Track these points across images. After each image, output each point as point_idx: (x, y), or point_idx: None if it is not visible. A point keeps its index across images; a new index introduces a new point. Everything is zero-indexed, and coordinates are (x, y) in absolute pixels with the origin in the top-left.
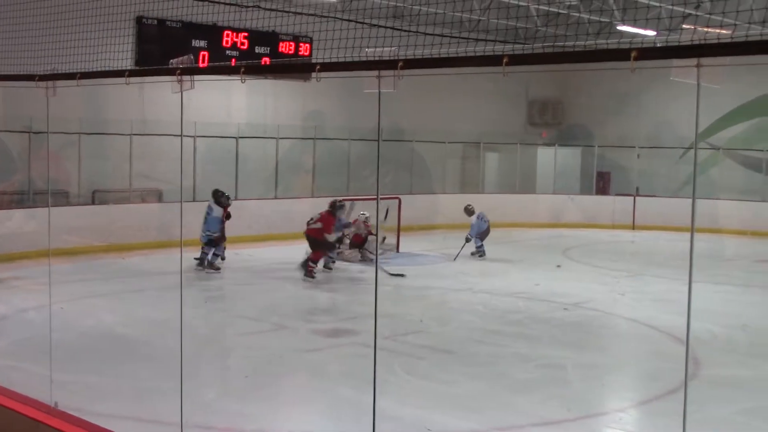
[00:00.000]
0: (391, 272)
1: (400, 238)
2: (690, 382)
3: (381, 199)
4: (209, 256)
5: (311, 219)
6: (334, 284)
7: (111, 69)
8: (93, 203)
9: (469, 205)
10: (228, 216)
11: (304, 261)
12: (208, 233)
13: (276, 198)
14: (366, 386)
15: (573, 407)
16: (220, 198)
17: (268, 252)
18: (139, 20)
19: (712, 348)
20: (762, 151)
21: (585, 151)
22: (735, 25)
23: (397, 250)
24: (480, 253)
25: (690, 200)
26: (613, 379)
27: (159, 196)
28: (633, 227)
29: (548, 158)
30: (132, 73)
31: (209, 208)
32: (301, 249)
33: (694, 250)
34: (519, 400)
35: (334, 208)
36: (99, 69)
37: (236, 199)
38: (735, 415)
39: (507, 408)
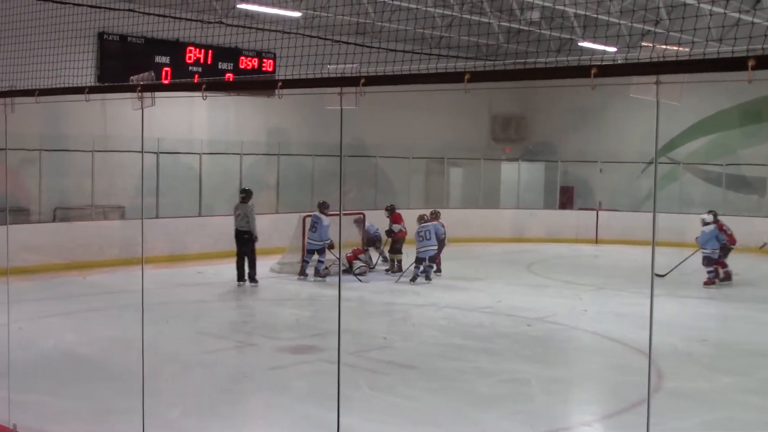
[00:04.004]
0: (360, 278)
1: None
2: (653, 395)
3: (345, 215)
4: (318, 265)
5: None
6: (299, 301)
7: (71, 86)
8: (54, 221)
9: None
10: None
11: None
12: (318, 242)
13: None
14: (330, 403)
15: (537, 422)
16: (325, 209)
17: (232, 269)
18: (101, 36)
19: (674, 361)
20: (721, 165)
21: (548, 166)
22: (693, 42)
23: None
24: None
25: (651, 214)
26: (576, 394)
27: (121, 213)
28: (596, 241)
29: (512, 173)
30: (92, 90)
31: (316, 218)
32: (265, 265)
33: (657, 264)
34: (483, 415)
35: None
36: (59, 86)
37: (200, 215)
38: (696, 427)
39: (470, 423)
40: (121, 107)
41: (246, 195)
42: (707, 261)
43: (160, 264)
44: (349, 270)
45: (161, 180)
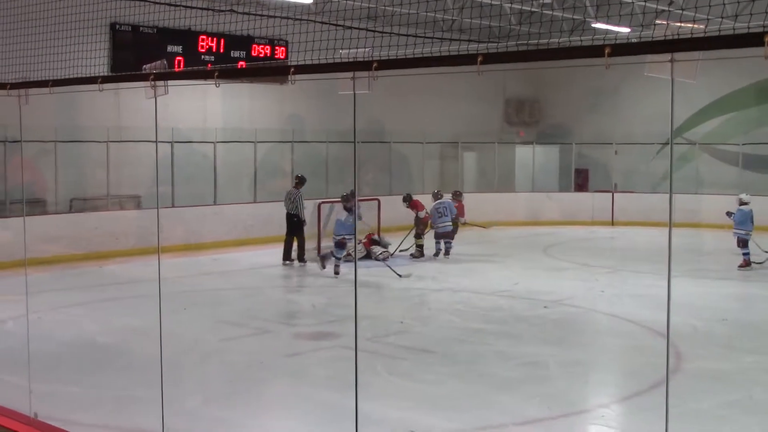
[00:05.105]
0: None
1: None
2: (672, 376)
3: (360, 201)
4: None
5: None
6: (315, 287)
7: (83, 76)
8: (70, 211)
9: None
10: None
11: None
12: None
13: (255, 202)
14: (349, 389)
15: (555, 405)
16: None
17: (248, 256)
18: (113, 27)
19: (693, 342)
20: (737, 145)
21: (563, 149)
22: (708, 19)
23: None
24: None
25: (668, 195)
26: (595, 376)
27: (137, 203)
28: (612, 223)
29: (526, 157)
30: (105, 80)
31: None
32: (279, 253)
33: (673, 245)
34: (501, 398)
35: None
36: (71, 76)
37: (215, 204)
38: (717, 408)
39: (489, 407)
40: (135, 97)
41: (299, 181)
42: (742, 243)
43: (177, 253)
44: (368, 256)
45: (176, 169)
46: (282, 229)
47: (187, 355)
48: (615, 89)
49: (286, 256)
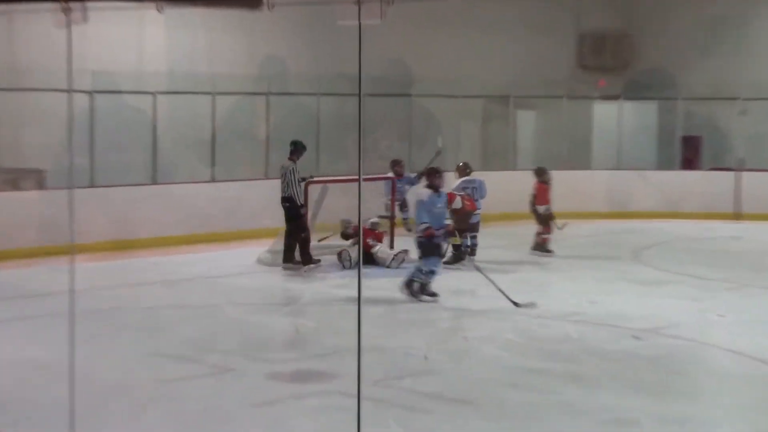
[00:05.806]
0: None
1: (395, 237)
2: None
3: (365, 180)
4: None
5: None
6: (299, 305)
7: None
8: None
9: None
10: None
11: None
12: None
13: (213, 181)
14: None
15: None
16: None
17: (202, 259)
18: None
19: None
20: None
21: (663, 107)
22: None
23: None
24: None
25: None
26: None
27: (39, 181)
28: (736, 217)
29: (609, 117)
30: None
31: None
32: (249, 255)
33: None
34: None
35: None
36: None
37: (154, 183)
38: None
39: None
40: (38, 26)
41: (294, 149)
42: None
43: (98, 253)
44: (371, 260)
45: (98, 131)
46: (250, 222)
47: (112, 401)
48: (743, 20)
49: (287, 257)
